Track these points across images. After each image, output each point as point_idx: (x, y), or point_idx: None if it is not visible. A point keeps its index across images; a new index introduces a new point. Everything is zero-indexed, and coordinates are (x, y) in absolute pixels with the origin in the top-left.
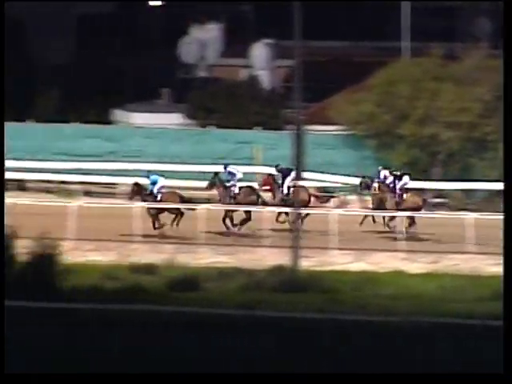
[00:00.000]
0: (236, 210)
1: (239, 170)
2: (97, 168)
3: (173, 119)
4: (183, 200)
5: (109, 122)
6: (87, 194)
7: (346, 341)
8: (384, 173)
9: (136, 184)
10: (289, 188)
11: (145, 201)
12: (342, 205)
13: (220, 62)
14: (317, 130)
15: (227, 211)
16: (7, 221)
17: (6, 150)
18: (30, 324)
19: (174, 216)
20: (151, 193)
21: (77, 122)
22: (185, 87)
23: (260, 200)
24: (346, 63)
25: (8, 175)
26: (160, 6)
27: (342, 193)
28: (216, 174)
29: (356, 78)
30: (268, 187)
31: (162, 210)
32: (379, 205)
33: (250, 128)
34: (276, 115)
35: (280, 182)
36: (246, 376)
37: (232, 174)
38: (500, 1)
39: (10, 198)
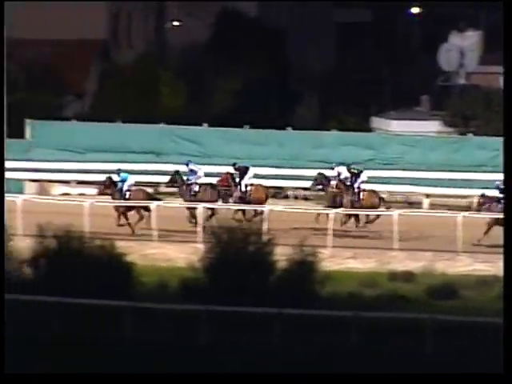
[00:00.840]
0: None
1: (200, 168)
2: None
3: (431, 127)
4: (150, 197)
5: (367, 130)
6: None
7: None
8: (338, 169)
9: (109, 179)
10: (246, 186)
11: (114, 197)
12: None
13: (479, 70)
14: None
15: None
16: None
17: (265, 156)
18: (291, 331)
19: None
20: (120, 190)
21: (335, 129)
22: (443, 95)
23: (221, 197)
24: None
25: (266, 183)
26: (419, 13)
27: None
28: (177, 171)
29: None
30: (225, 185)
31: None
32: (334, 203)
33: None
34: None
35: (238, 180)
36: (247, 376)
37: (193, 172)
38: (500, 1)
39: (270, 206)
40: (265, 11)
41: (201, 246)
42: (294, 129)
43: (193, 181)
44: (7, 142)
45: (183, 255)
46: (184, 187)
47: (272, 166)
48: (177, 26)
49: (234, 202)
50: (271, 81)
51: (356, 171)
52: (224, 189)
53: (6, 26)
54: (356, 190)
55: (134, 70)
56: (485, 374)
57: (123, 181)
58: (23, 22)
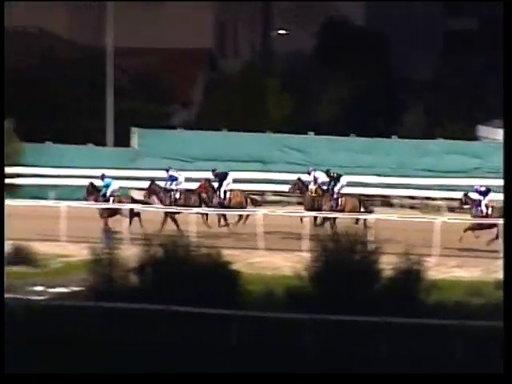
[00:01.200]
0: None
1: (181, 174)
2: (461, 184)
3: None
4: (135, 202)
5: (473, 138)
6: (451, 210)
7: None
8: (314, 174)
9: (91, 185)
10: (225, 192)
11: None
12: None
13: None
14: None
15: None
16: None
17: (371, 165)
18: (397, 339)
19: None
20: (104, 195)
21: (441, 137)
22: None
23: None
24: None
25: (372, 191)
26: None
27: None
28: (152, 181)
29: None
30: (204, 191)
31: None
32: (312, 207)
33: None
34: None
35: (216, 186)
36: (248, 376)
37: (173, 178)
38: (500, 1)
39: (376, 214)
40: (370, 19)
41: (307, 255)
42: (399, 137)
43: (173, 187)
44: (113, 150)
45: (289, 263)
46: (163, 193)
47: (378, 175)
48: (282, 34)
49: (214, 208)
50: (377, 89)
51: (335, 175)
52: (204, 194)
53: (112, 35)
54: (335, 196)
55: (241, 78)
56: (485, 374)
57: (107, 186)
58: (130, 30)
